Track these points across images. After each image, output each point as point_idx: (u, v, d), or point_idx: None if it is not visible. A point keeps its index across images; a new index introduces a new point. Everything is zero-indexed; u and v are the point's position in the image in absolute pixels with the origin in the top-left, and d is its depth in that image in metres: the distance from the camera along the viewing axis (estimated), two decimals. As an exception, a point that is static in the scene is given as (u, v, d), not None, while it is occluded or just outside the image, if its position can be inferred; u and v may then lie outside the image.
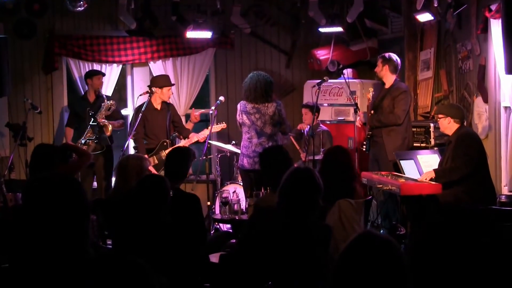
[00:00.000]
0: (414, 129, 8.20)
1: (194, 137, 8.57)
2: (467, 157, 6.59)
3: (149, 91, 8.52)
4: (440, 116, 6.91)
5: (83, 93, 9.35)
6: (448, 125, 6.83)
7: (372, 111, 7.98)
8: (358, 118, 8.33)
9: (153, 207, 4.76)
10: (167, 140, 8.58)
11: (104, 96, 8.84)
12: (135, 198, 4.83)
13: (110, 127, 8.58)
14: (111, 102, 8.73)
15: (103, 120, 8.59)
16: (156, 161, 8.45)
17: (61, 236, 2.10)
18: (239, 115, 7.83)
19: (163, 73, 9.64)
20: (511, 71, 6.10)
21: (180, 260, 4.82)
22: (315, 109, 8.24)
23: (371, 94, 8.02)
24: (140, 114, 8.32)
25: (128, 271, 2.11)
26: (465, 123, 7.07)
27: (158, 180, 4.98)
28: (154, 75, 9.68)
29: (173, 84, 8.90)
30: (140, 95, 8.76)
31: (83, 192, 2.17)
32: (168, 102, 8.89)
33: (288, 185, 4.10)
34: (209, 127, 8.39)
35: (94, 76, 9.03)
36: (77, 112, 9.01)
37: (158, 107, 8.67)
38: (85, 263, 2.09)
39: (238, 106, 7.87)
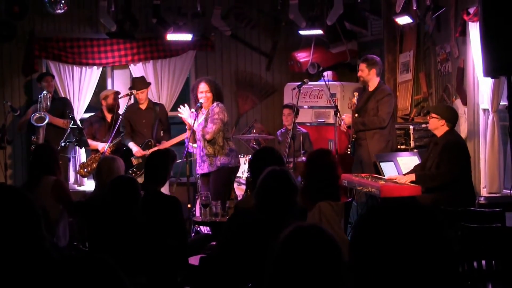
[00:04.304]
0: (394, 131, 8.22)
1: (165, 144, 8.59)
2: (451, 166, 6.59)
3: (129, 93, 8.53)
4: (434, 115, 6.86)
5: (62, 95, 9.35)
6: (440, 126, 6.80)
7: (356, 114, 7.96)
8: (342, 122, 8.15)
9: (124, 207, 4.80)
10: (152, 140, 8.59)
11: (47, 95, 8.77)
12: (108, 199, 4.88)
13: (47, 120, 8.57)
14: (44, 93, 8.72)
15: (38, 113, 8.59)
16: (140, 160, 8.45)
17: (14, 243, 2.11)
18: (226, 116, 7.75)
19: (144, 75, 9.67)
20: (489, 74, 6.11)
21: (160, 262, 4.82)
22: (295, 110, 8.25)
23: (355, 98, 7.96)
24: (120, 117, 8.38)
25: (94, 270, 2.11)
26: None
27: (127, 180, 5.04)
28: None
29: (142, 87, 8.77)
30: (121, 97, 8.78)
31: (28, 202, 2.18)
32: (157, 102, 9.10)
33: (264, 186, 4.12)
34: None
35: (42, 79, 8.98)
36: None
37: (143, 106, 8.74)
38: (47, 265, 2.09)
39: (223, 107, 7.77)
